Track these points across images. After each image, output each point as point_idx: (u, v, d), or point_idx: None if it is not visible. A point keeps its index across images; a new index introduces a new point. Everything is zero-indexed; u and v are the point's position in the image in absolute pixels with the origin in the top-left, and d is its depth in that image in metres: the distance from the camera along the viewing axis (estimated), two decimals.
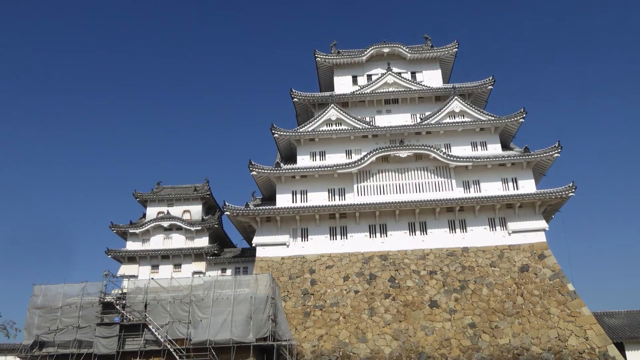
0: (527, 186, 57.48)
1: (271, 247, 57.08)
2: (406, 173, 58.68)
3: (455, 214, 56.77)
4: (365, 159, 57.66)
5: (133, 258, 62.64)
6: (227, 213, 56.97)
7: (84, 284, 46.13)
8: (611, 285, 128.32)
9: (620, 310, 56.38)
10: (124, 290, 47.77)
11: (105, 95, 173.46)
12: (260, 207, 57.64)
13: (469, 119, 61.58)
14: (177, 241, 63.61)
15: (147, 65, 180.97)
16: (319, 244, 56.81)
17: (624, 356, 50.19)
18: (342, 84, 68.86)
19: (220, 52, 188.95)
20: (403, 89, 65.04)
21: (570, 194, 55.22)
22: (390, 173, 58.80)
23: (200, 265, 61.76)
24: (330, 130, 61.91)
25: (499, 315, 50.04)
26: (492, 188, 57.70)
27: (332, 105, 63.05)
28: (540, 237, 55.60)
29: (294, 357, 46.47)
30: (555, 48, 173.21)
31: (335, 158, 61.43)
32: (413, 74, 68.74)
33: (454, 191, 57.29)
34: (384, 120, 64.63)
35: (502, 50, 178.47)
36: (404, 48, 68.33)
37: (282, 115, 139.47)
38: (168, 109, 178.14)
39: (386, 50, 68.50)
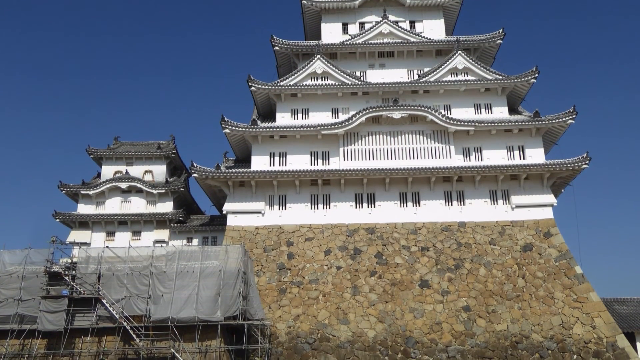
0: (535, 156, 57.83)
1: (244, 215, 57.05)
2: (399, 137, 58.68)
3: (452, 184, 57.04)
4: (354, 119, 57.41)
5: (85, 223, 62.25)
6: (195, 175, 56.63)
7: (27, 251, 45.82)
8: (624, 269, 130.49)
9: (632, 297, 57.69)
10: (74, 260, 47.73)
11: (53, 31, 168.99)
12: (233, 170, 57.43)
13: (474, 78, 61.46)
14: (137, 205, 63.35)
15: None
16: (298, 213, 56.91)
17: (635, 347, 51.02)
18: (331, 33, 68.27)
19: None
20: (400, 41, 64.62)
21: (584, 166, 55.49)
22: (381, 136, 58.73)
23: (163, 234, 61.67)
24: (315, 85, 61.41)
25: (496, 298, 50.73)
26: (495, 156, 58.00)
27: (318, 56, 62.53)
28: (547, 213, 56.13)
29: (267, 339, 46.73)
30: None
31: (320, 117, 61.19)
32: (412, 23, 68.33)
33: (453, 159, 57.48)
34: (376, 76, 64.36)
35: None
36: None
37: (262, 66, 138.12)
38: (128, 52, 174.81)
39: None
